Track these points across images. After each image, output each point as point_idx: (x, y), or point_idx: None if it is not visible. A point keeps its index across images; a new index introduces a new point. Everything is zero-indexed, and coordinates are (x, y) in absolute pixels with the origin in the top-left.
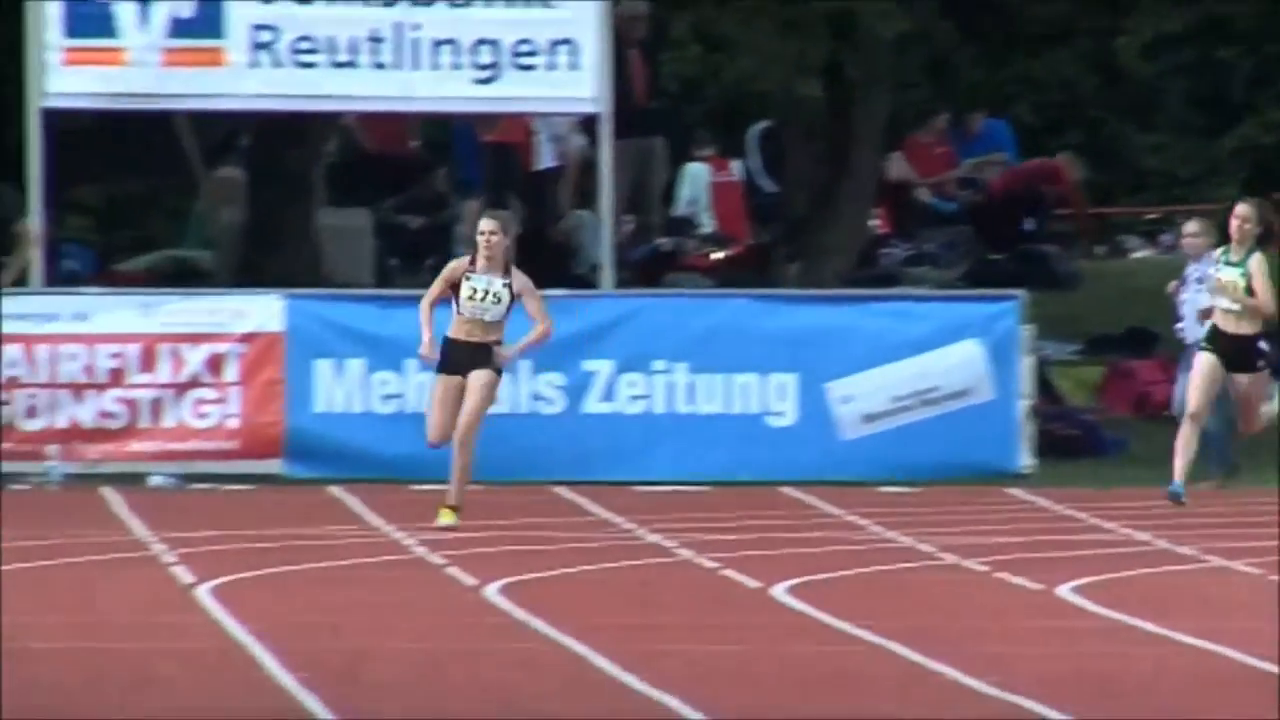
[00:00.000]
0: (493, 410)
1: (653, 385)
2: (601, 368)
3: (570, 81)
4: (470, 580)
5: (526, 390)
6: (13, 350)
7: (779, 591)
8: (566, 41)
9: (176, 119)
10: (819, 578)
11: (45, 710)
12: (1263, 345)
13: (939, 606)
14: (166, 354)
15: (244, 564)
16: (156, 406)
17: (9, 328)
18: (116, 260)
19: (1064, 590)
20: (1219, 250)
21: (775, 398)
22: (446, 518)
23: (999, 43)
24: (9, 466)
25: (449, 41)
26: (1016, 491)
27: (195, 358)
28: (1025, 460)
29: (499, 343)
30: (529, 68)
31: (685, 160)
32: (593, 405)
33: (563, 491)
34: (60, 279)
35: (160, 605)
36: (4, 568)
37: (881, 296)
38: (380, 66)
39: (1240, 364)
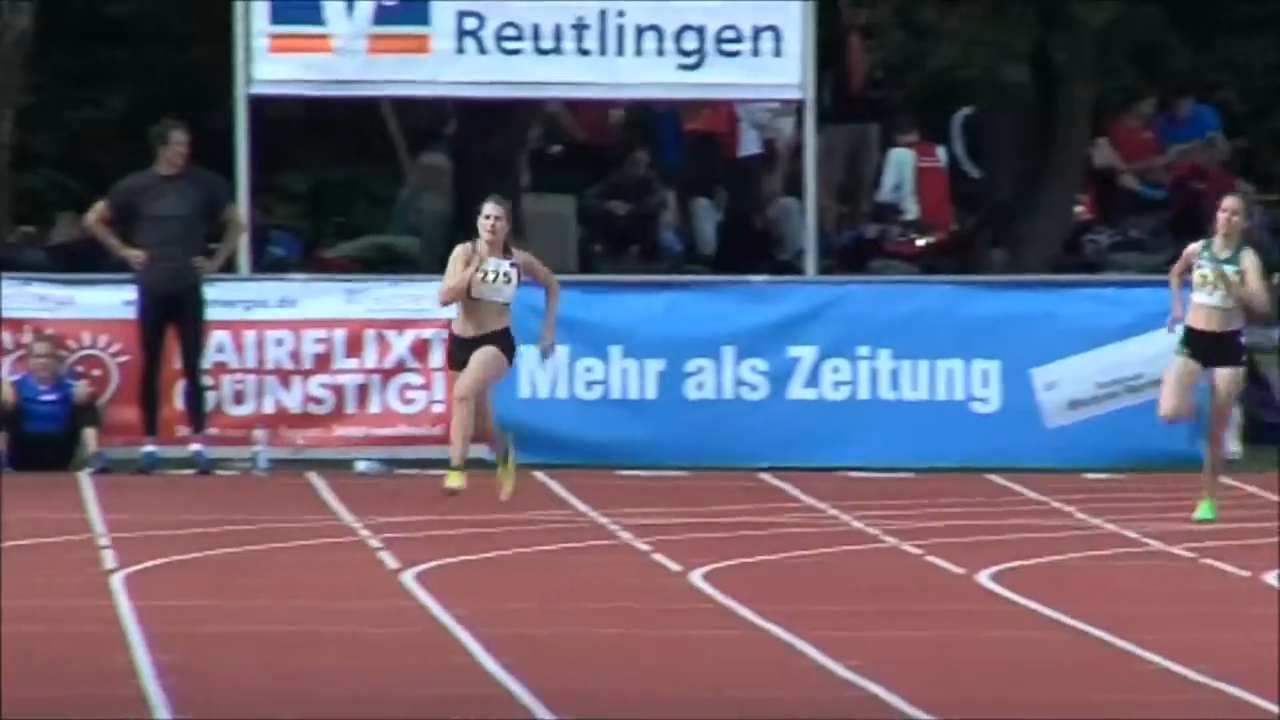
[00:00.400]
0: (698, 396)
1: (856, 371)
2: (805, 354)
3: (774, 68)
4: (675, 566)
5: (731, 376)
6: (220, 336)
7: (983, 578)
8: (771, 28)
9: (382, 106)
10: (1022, 564)
11: (253, 693)
12: (1243, 340)
13: (1144, 593)
14: (372, 340)
15: (449, 549)
16: (362, 392)
17: (216, 314)
18: (323, 247)
19: (1270, 577)
20: (1199, 244)
21: (979, 384)
22: (455, 480)
23: (1206, 27)
24: (216, 452)
25: (653, 28)
26: (1227, 481)
27: (401, 343)
28: (1232, 446)
29: (507, 331)
30: (733, 54)
31: (889, 146)
32: (796, 391)
33: (767, 477)
34: (267, 265)
35: (366, 590)
36: (212, 553)
37: (1086, 283)
38: (584, 53)
39: (1224, 359)
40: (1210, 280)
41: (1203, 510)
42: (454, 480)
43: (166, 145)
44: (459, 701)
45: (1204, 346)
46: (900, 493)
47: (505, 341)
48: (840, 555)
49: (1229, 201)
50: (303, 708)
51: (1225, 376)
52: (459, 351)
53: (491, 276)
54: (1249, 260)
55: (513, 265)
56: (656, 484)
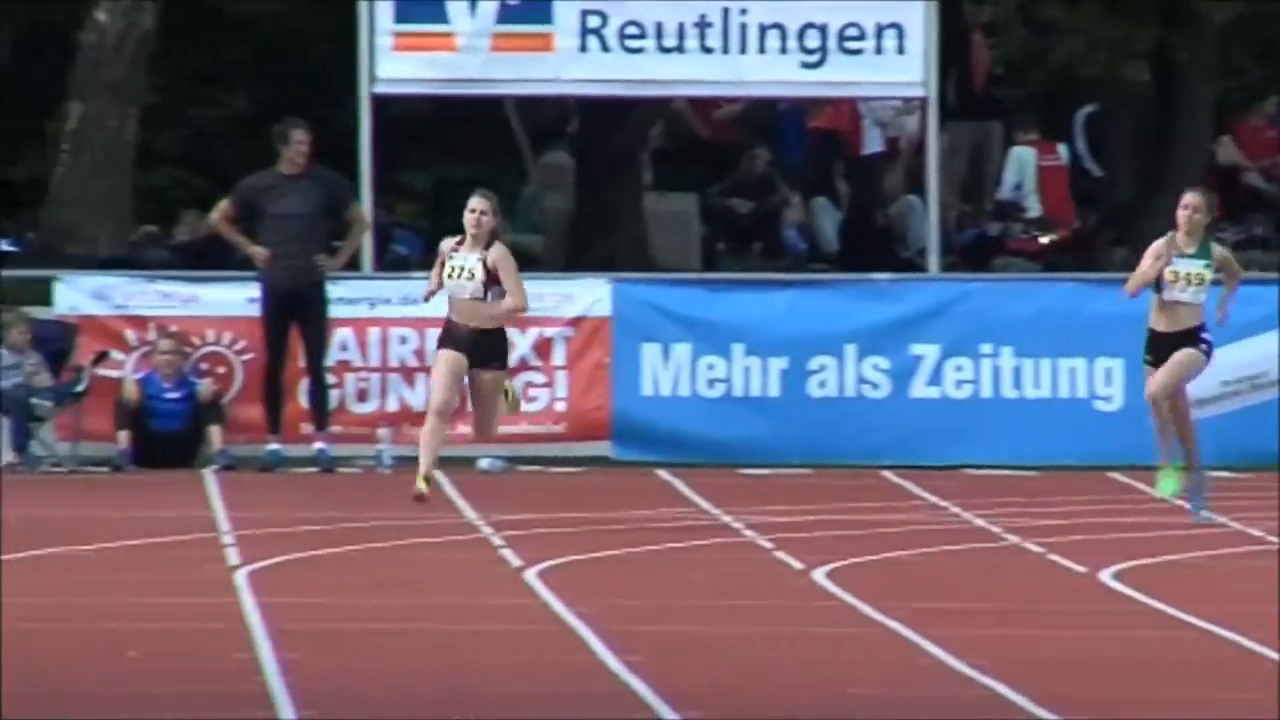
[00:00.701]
0: (820, 394)
1: (979, 370)
2: (928, 352)
3: (898, 66)
4: (798, 564)
5: (853, 374)
6: (343, 334)
7: (1105, 576)
8: (894, 25)
9: (505, 104)
10: (1146, 562)
11: (375, 690)
12: (1206, 334)
13: (1269, 592)
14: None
15: (572, 547)
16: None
17: (339, 311)
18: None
19: None
20: (1161, 241)
21: (1102, 382)
22: (422, 485)
23: None
24: (340, 449)
25: (776, 26)
26: None
27: (523, 342)
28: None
29: (499, 335)
30: (856, 52)
31: (1011, 144)
32: (919, 390)
33: (889, 475)
34: (389, 264)
35: (489, 588)
36: (335, 550)
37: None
38: (707, 51)
39: (1187, 345)
40: (1181, 277)
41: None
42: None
43: (287, 144)
44: (583, 699)
45: (1169, 348)
46: (1022, 491)
47: (496, 348)
48: (962, 553)
49: (1191, 198)
50: (426, 705)
51: (1184, 353)
52: (448, 332)
53: (457, 272)
54: (1222, 254)
55: (479, 260)
56: (779, 482)
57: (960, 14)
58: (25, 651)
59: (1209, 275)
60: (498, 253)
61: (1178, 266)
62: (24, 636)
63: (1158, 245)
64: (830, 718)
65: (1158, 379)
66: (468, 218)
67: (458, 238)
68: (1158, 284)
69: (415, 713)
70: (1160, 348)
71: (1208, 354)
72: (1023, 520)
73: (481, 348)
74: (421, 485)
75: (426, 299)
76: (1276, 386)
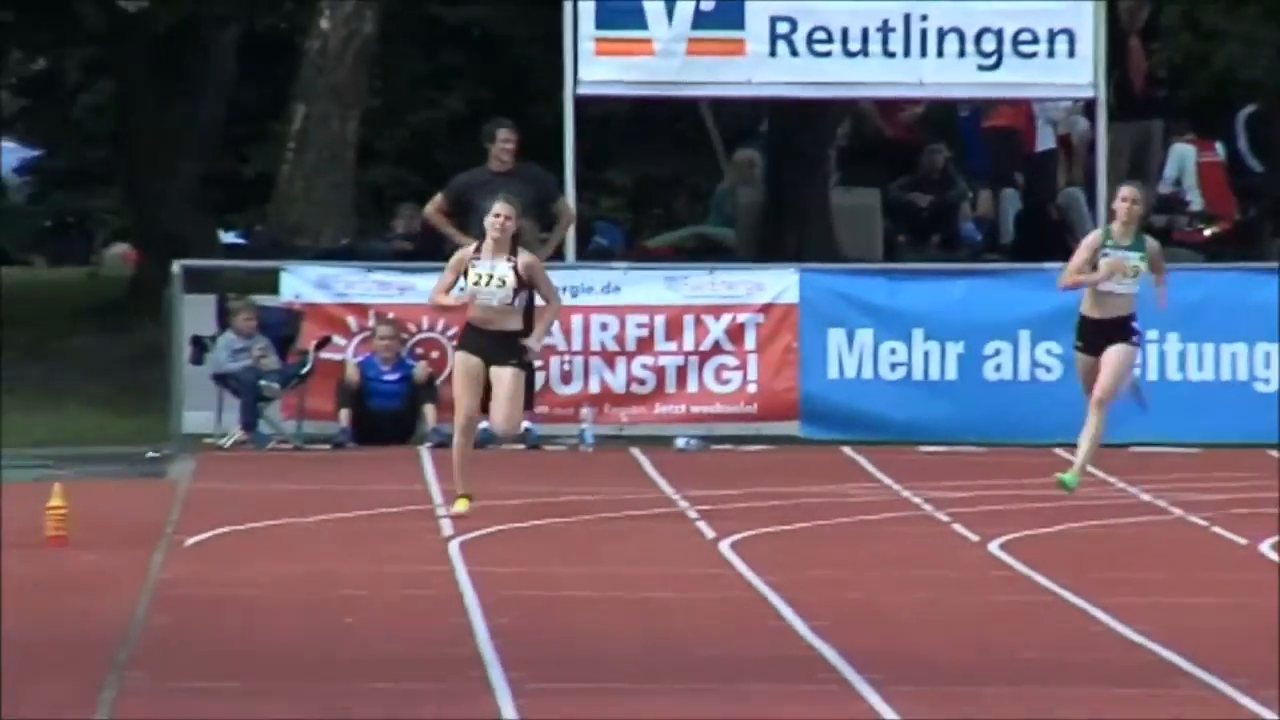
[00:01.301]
0: (996, 377)
1: (1145, 353)
2: None
3: (1068, 68)
4: (974, 536)
5: (1027, 359)
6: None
7: (1264, 548)
8: (1065, 31)
9: (700, 105)
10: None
11: (580, 653)
12: (1136, 324)
13: None
14: (690, 324)
15: (763, 520)
16: (681, 373)
17: None
18: (644, 236)
19: None
20: (1098, 232)
21: (1261, 365)
22: (461, 505)
23: None
24: (545, 429)
25: (954, 30)
26: None
27: (717, 327)
28: None
29: (520, 333)
30: (1029, 55)
31: (1170, 142)
32: None
33: (1060, 453)
34: (592, 254)
35: (687, 558)
36: (540, 523)
37: None
38: (890, 55)
39: (1119, 339)
40: (1120, 267)
41: (1068, 479)
42: (461, 506)
43: (494, 142)
44: (774, 662)
45: (1101, 334)
46: (1186, 467)
47: (516, 346)
48: (1130, 526)
49: (1128, 190)
50: (627, 667)
51: (1120, 351)
52: (466, 335)
53: (485, 279)
54: (1155, 247)
55: (510, 268)
56: (956, 459)
57: (1117, 20)
58: (253, 617)
59: (1143, 267)
60: (527, 258)
61: (1113, 257)
62: (250, 602)
63: (1093, 236)
64: (1004, 680)
65: (1102, 383)
66: (491, 222)
67: (473, 244)
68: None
69: (618, 674)
70: (1093, 334)
71: (1138, 344)
72: (1187, 495)
73: (503, 348)
74: (461, 507)
75: (437, 305)
76: None
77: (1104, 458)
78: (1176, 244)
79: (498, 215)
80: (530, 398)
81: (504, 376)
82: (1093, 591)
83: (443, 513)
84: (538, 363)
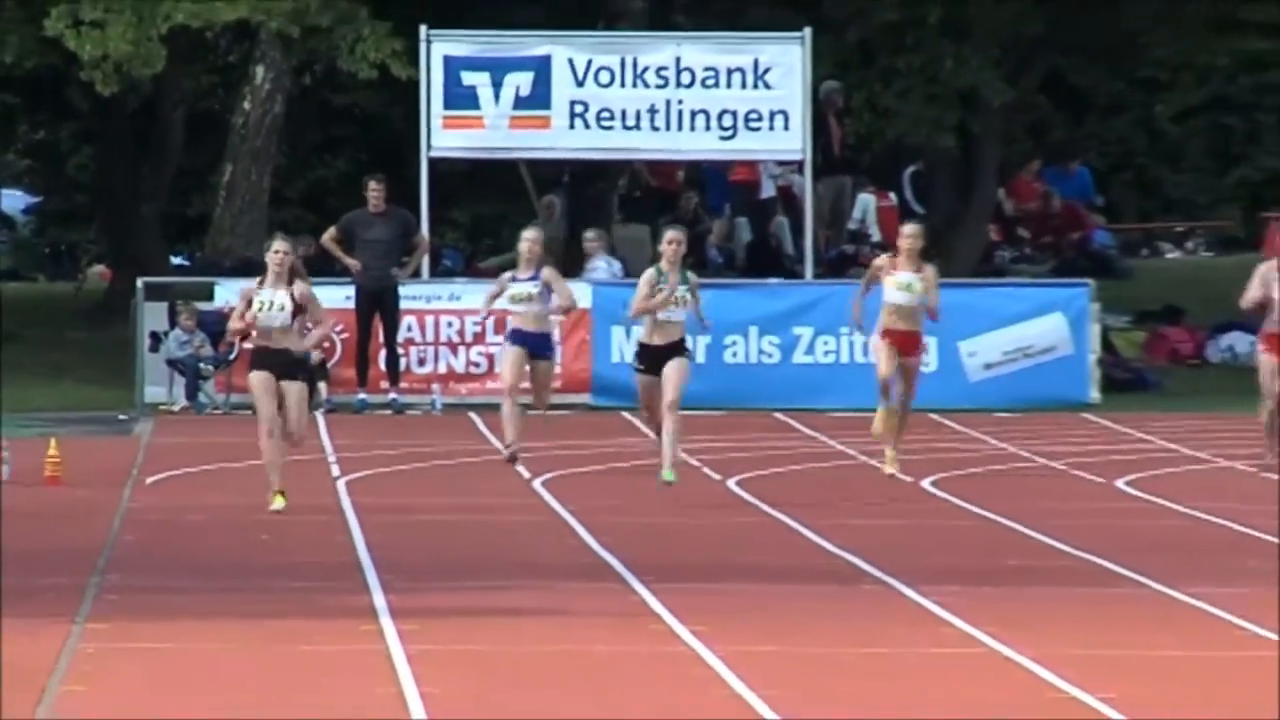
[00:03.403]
0: (732, 361)
1: (840, 344)
2: (805, 332)
3: (784, 138)
4: (717, 476)
5: (755, 348)
6: (409, 319)
7: (925, 484)
8: (782, 111)
9: (519, 164)
10: (954, 474)
11: (440, 559)
12: (688, 345)
13: (1030, 492)
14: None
15: (565, 465)
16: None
17: (406, 305)
18: (479, 259)
19: (1121, 482)
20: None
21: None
22: (278, 502)
23: (1078, 111)
24: (406, 399)
25: (702, 111)
26: (1089, 416)
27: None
28: (1094, 395)
29: (290, 351)
30: (756, 129)
31: (858, 192)
32: (799, 358)
33: (779, 415)
34: (440, 272)
35: (510, 492)
36: (404, 467)
37: (994, 283)
38: (655, 129)
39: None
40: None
41: (667, 475)
42: (278, 502)
43: (369, 191)
44: (575, 567)
45: (659, 358)
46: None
47: (299, 362)
48: (828, 468)
49: (672, 234)
50: (469, 570)
51: (677, 363)
52: (257, 355)
53: (267, 306)
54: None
55: (288, 295)
56: (705, 421)
57: (819, 103)
58: (196, 534)
59: (689, 298)
60: (302, 288)
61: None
62: (195, 524)
63: (649, 274)
64: (738, 579)
65: (668, 395)
66: (271, 258)
67: (256, 280)
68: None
69: (462, 575)
70: (651, 359)
71: (690, 358)
72: (871, 444)
73: (288, 364)
74: (278, 503)
75: (232, 331)
76: (1040, 355)
77: (809, 418)
78: (862, 266)
79: (276, 251)
80: (396, 376)
81: (291, 389)
82: (802, 515)
83: (332, 459)
84: (332, 361)
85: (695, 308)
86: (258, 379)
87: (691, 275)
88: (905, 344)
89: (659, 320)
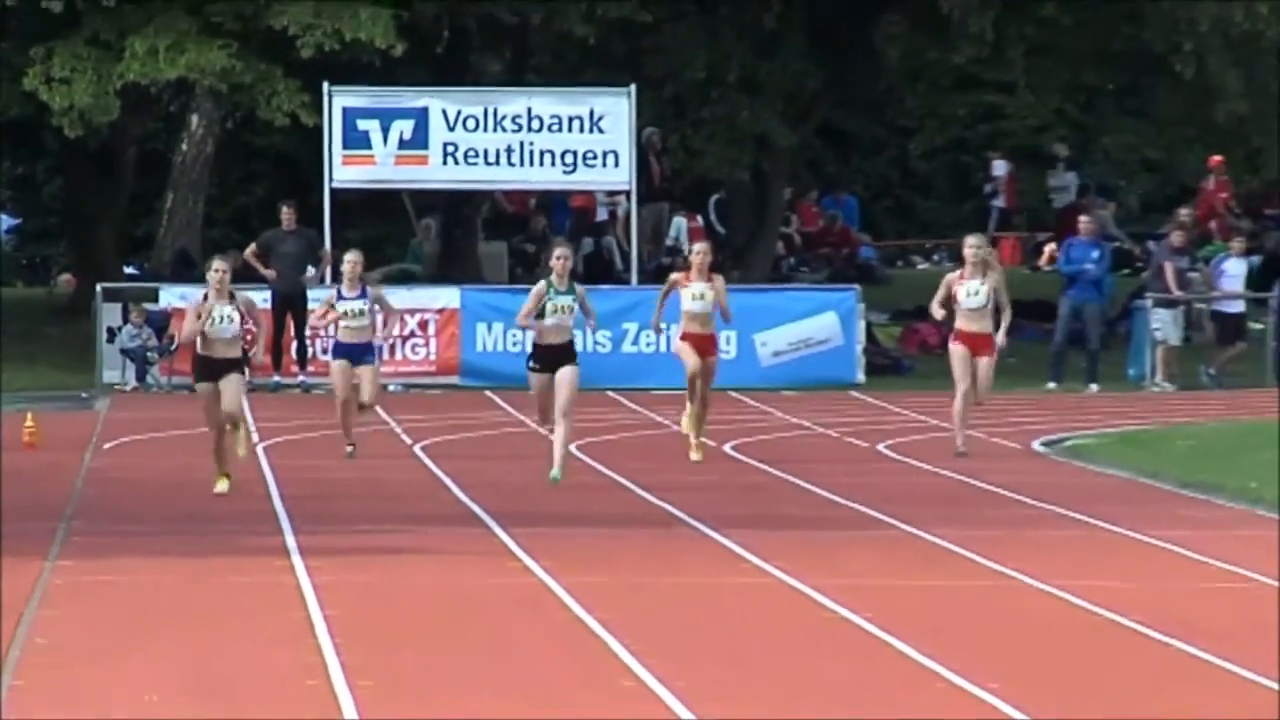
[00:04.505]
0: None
1: (658, 339)
2: (631, 327)
3: (615, 173)
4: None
5: (591, 340)
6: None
7: (728, 449)
8: (613, 151)
9: (402, 193)
10: (750, 440)
11: (337, 508)
12: (576, 348)
13: (810, 454)
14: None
15: (439, 433)
16: (392, 348)
17: (313, 305)
18: (370, 269)
19: (882, 447)
20: (543, 283)
21: (724, 343)
22: (222, 484)
23: (847, 151)
24: (313, 381)
25: (549, 151)
26: (856, 394)
27: (413, 321)
28: (860, 377)
29: (242, 359)
30: (592, 165)
31: (674, 215)
32: (627, 348)
33: (611, 394)
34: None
35: (396, 455)
36: (311, 435)
37: (782, 288)
38: (512, 165)
39: (566, 360)
40: (697, 296)
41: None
42: (222, 485)
43: (283, 213)
44: (447, 515)
45: (551, 358)
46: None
47: (237, 364)
48: (649, 435)
49: (560, 250)
50: (363, 516)
51: (570, 371)
52: (204, 364)
53: (216, 320)
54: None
55: (234, 308)
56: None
57: (642, 145)
58: (145, 490)
59: (575, 306)
60: (245, 299)
61: (556, 301)
62: (144, 482)
63: (539, 286)
64: (570, 524)
65: (560, 402)
66: (211, 276)
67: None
68: (540, 313)
69: (359, 520)
70: (543, 358)
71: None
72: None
73: (229, 368)
74: (222, 485)
75: (185, 343)
76: (817, 345)
77: (635, 396)
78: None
79: (216, 270)
80: (304, 363)
81: (228, 386)
82: (630, 474)
83: (255, 429)
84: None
85: (588, 312)
86: (203, 390)
87: (578, 286)
88: (702, 345)
89: (549, 325)
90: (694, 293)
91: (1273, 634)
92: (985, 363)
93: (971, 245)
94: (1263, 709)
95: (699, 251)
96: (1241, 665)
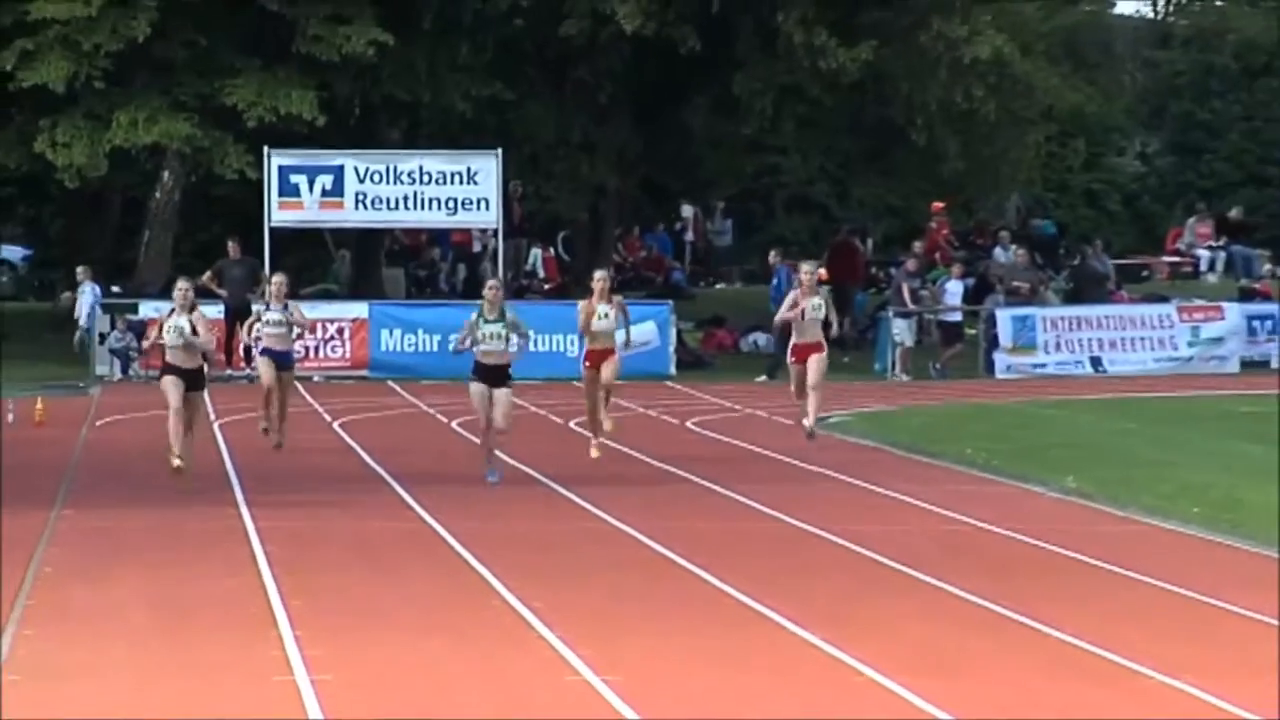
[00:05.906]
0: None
1: (537, 341)
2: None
3: (485, 215)
4: (444, 419)
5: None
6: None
7: (572, 424)
8: (484, 199)
9: (324, 231)
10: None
11: (279, 476)
12: (511, 370)
13: (636, 429)
14: (320, 328)
15: (353, 413)
16: (318, 349)
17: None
18: (300, 288)
19: (690, 423)
20: (475, 312)
21: (570, 346)
22: (177, 462)
23: (662, 199)
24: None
25: (435, 199)
26: (669, 384)
27: (332, 328)
28: (672, 370)
29: (202, 369)
30: (470, 209)
31: (531, 248)
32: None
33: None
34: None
35: (318, 431)
36: (255, 414)
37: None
38: (408, 209)
39: (500, 381)
40: (602, 316)
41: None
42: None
43: (229, 246)
44: (360, 478)
45: (490, 375)
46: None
47: (199, 375)
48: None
49: (493, 281)
50: (299, 483)
51: (505, 394)
52: (168, 370)
53: (174, 331)
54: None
55: (189, 322)
56: (446, 387)
57: (508, 193)
58: (132, 459)
59: (505, 332)
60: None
61: (485, 330)
62: (130, 451)
63: (471, 317)
64: (462, 482)
65: (498, 421)
66: (176, 294)
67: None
68: (474, 340)
69: (294, 488)
70: (482, 373)
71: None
72: (542, 402)
73: (192, 378)
74: (177, 463)
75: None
76: (642, 345)
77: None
78: (534, 293)
79: (180, 288)
80: (250, 359)
81: (193, 399)
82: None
83: (212, 411)
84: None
85: (521, 334)
86: (169, 386)
87: (509, 312)
88: (604, 357)
89: (484, 348)
90: (600, 313)
91: (972, 560)
92: (816, 359)
93: (807, 270)
94: (959, 612)
95: (599, 278)
96: (944, 581)
